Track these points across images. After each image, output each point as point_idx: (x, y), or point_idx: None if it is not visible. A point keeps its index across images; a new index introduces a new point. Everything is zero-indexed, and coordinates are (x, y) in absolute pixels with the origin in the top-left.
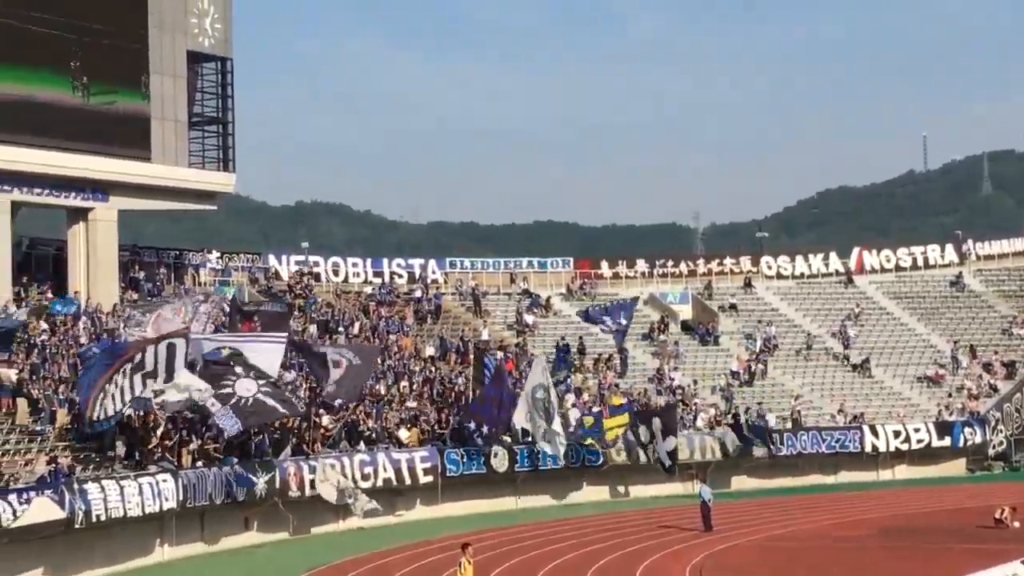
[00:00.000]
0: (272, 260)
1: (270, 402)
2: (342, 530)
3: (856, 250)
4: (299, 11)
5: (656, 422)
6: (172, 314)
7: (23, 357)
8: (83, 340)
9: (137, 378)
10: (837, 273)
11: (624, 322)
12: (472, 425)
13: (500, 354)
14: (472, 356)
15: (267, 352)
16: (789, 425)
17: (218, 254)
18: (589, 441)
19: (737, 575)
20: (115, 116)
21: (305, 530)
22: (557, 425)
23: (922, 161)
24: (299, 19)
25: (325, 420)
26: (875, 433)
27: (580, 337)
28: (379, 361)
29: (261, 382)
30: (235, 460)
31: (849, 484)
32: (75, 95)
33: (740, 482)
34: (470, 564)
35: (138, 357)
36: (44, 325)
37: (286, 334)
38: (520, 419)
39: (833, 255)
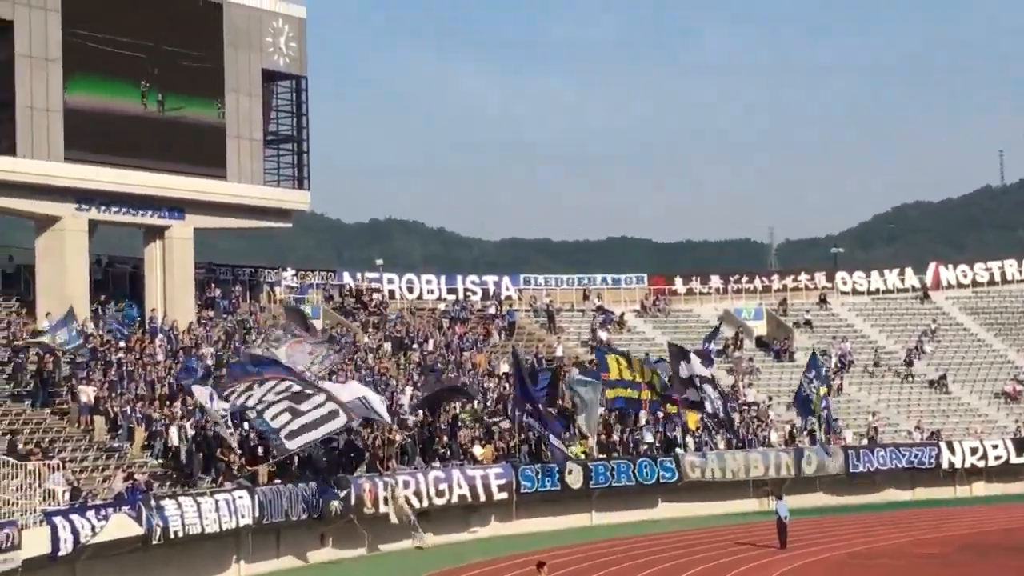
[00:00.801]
0: (346, 277)
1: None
2: (418, 547)
3: (932, 265)
4: (374, 29)
5: (693, 362)
6: (309, 352)
7: (101, 375)
8: (159, 358)
9: (281, 403)
10: (913, 289)
11: (711, 347)
12: (526, 417)
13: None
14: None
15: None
16: (865, 442)
17: (293, 272)
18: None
19: None
20: (190, 134)
21: (380, 547)
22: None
23: (999, 175)
24: (374, 37)
25: (398, 437)
26: (952, 450)
27: (646, 353)
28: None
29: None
30: (311, 477)
31: (926, 501)
32: (149, 112)
33: (816, 499)
34: None
35: (304, 392)
36: (121, 343)
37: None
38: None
39: (909, 270)
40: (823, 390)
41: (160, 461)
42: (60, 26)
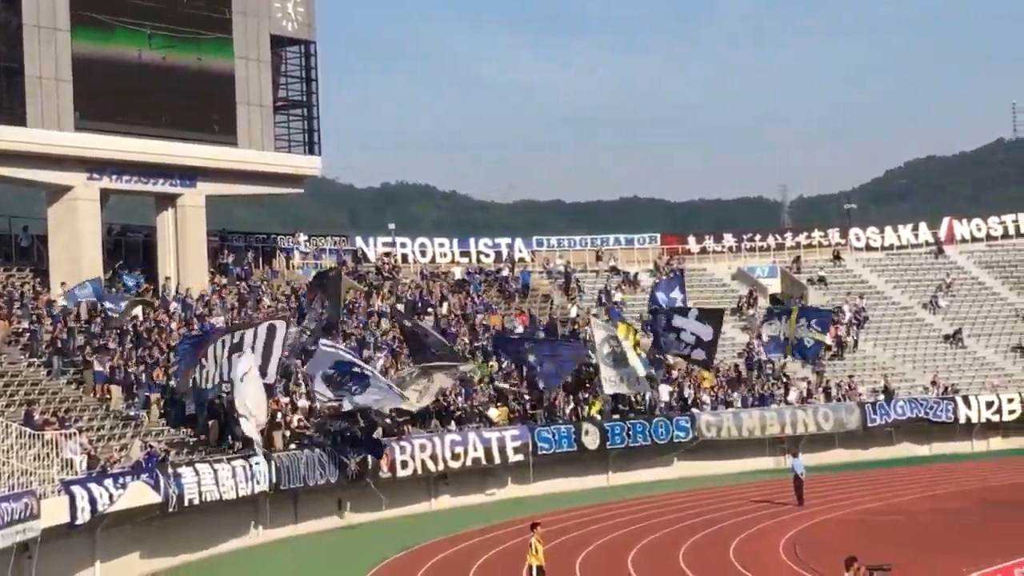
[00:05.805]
0: (360, 242)
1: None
2: (435, 510)
3: (946, 220)
4: None
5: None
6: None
7: (116, 344)
8: (173, 325)
9: (233, 357)
10: (927, 244)
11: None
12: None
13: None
14: None
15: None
16: (881, 398)
17: (306, 238)
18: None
19: (832, 550)
20: (200, 101)
21: (397, 510)
22: (635, 362)
23: (1011, 128)
24: (384, 1)
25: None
26: (968, 404)
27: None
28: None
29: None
30: (328, 442)
31: (942, 456)
32: (157, 75)
33: (833, 455)
34: (541, 543)
35: (237, 337)
36: (136, 311)
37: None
38: (611, 386)
39: (923, 225)
40: (819, 336)
41: (177, 429)
42: None
